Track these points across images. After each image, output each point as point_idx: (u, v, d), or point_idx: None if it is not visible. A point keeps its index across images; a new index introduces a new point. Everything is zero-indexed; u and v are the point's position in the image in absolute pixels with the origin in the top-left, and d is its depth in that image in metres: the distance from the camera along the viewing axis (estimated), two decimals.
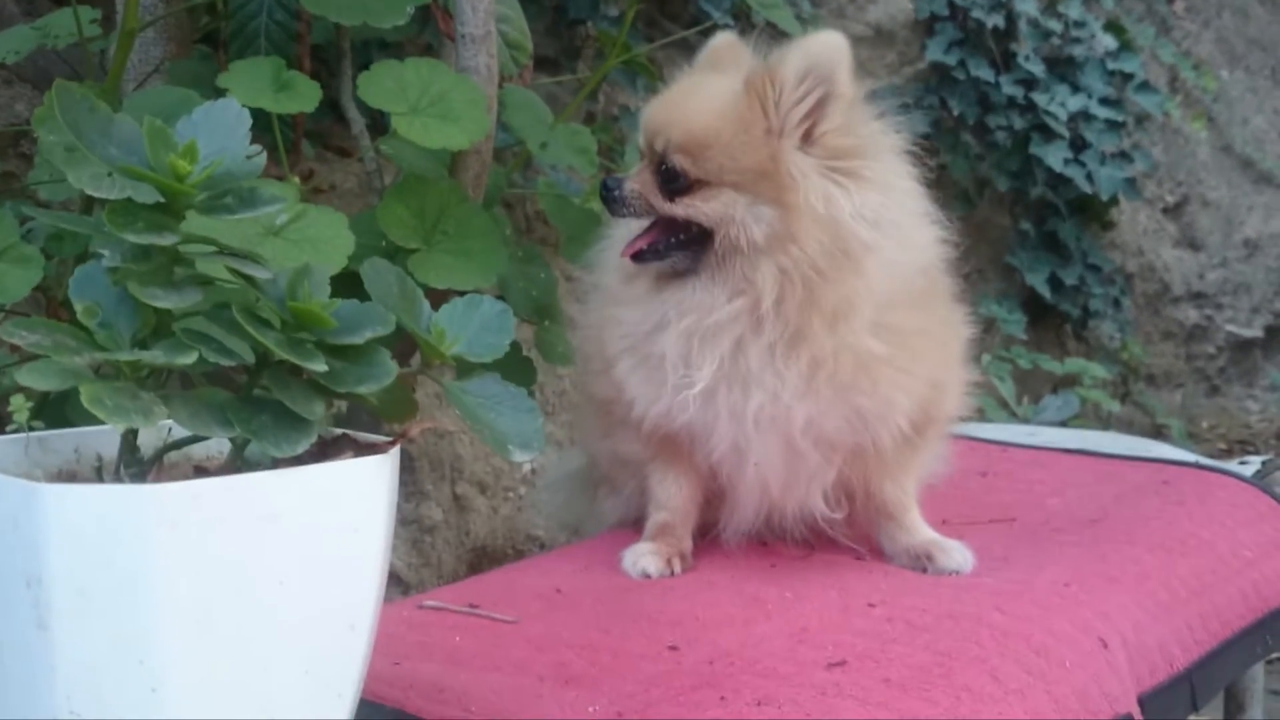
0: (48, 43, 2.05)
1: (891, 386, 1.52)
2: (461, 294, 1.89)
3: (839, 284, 1.48)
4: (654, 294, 1.56)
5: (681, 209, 1.52)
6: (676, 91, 1.60)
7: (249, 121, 1.05)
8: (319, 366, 1.00)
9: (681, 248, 1.54)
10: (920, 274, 1.55)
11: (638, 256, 1.55)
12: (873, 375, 1.51)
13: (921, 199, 1.57)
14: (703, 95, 1.56)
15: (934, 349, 1.58)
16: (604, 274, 1.67)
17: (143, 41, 1.91)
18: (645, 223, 1.57)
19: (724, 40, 1.64)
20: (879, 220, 1.49)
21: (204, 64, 1.99)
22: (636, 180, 1.56)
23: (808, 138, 1.49)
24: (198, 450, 1.15)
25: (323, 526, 1.01)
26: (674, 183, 1.53)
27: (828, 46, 1.49)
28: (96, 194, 1.53)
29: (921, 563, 1.61)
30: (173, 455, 1.12)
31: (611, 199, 1.57)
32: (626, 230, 1.60)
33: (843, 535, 1.68)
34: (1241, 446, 4.69)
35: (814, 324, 1.49)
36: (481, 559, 3.07)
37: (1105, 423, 4.47)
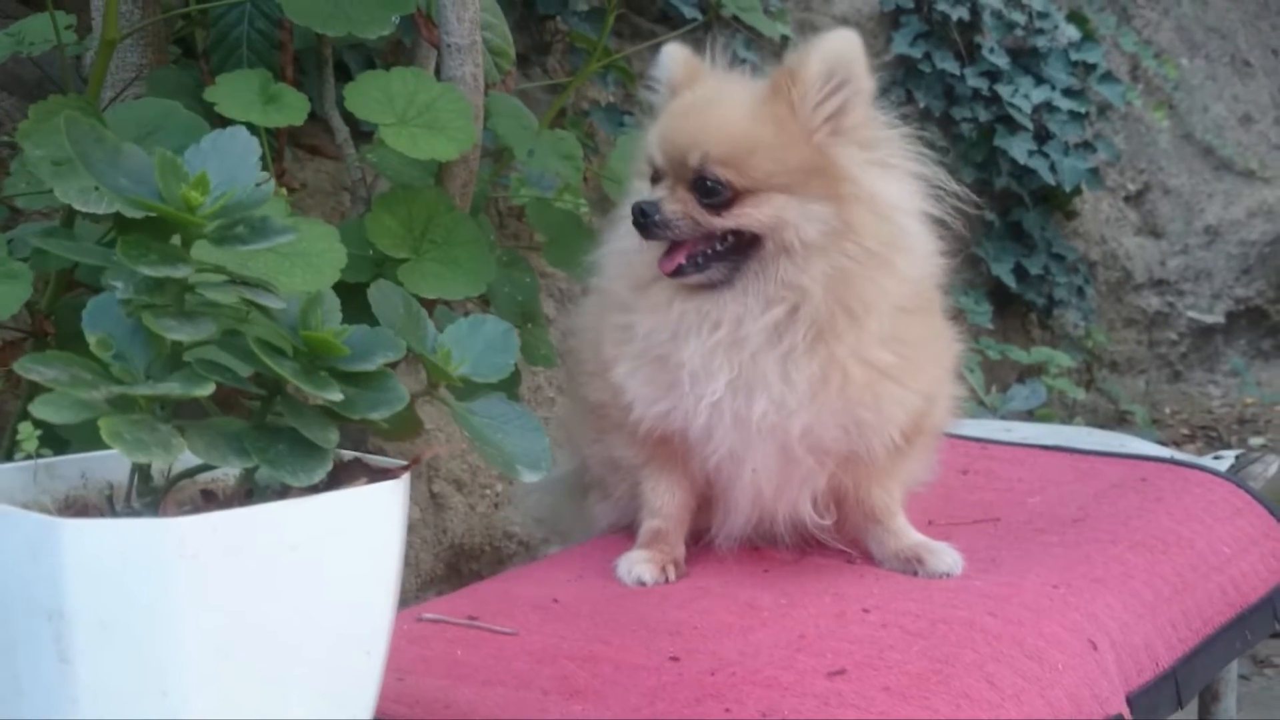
0: (22, 50, 2.03)
1: (891, 401, 1.54)
2: (450, 304, 1.92)
3: (869, 280, 1.51)
4: (675, 303, 1.54)
5: (732, 221, 1.51)
6: (694, 106, 1.57)
7: (259, 150, 1.05)
8: (335, 396, 1.00)
9: (720, 258, 1.53)
10: (927, 280, 1.57)
11: (678, 272, 1.53)
12: (876, 390, 1.53)
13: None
14: (730, 104, 1.55)
15: (931, 363, 1.60)
16: (611, 281, 1.65)
17: (120, 49, 1.89)
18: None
19: (680, 53, 1.63)
20: (914, 210, 1.54)
21: (184, 72, 1.98)
22: (675, 200, 1.53)
23: (836, 134, 1.51)
24: (203, 474, 1.15)
25: (339, 554, 1.01)
26: (717, 196, 1.51)
27: (845, 43, 1.52)
28: (84, 209, 1.52)
29: (912, 566, 1.63)
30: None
31: (652, 224, 1.52)
32: (631, 235, 1.58)
33: (831, 539, 1.70)
34: (1204, 432, 4.78)
35: (839, 323, 1.50)
36: (459, 557, 3.07)
37: (1070, 410, 4.53)
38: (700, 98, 1.58)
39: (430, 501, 3.06)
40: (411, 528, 3.01)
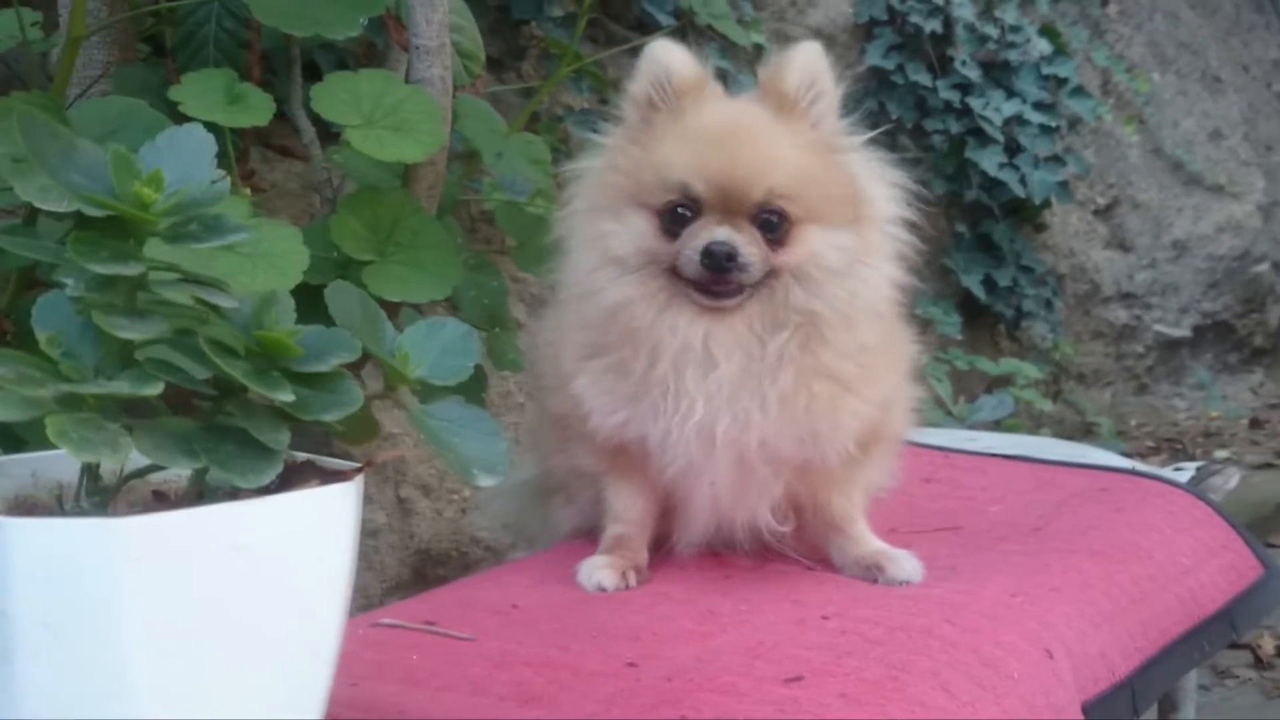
0: None
1: (847, 413, 1.55)
2: (415, 306, 1.91)
3: (866, 297, 1.51)
4: (680, 331, 1.48)
5: (785, 255, 1.47)
6: (737, 131, 1.49)
7: (214, 147, 1.05)
8: (286, 396, 0.99)
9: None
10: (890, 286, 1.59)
11: (724, 295, 1.48)
12: (835, 403, 1.53)
13: None
14: (772, 129, 1.49)
15: (887, 370, 1.61)
16: (594, 327, 1.55)
17: (87, 46, 1.88)
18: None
19: (681, 56, 1.53)
20: (897, 218, 1.55)
21: (151, 71, 1.96)
22: (747, 239, 1.45)
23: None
24: (155, 474, 1.14)
25: (289, 556, 1.01)
26: (776, 231, 1.46)
27: (814, 53, 1.52)
28: (45, 206, 1.50)
29: (872, 573, 1.63)
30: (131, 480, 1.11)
31: (737, 268, 1.44)
32: (629, 285, 1.50)
33: (791, 548, 1.70)
34: (1169, 444, 4.81)
35: (826, 338, 1.50)
36: (425, 562, 3.06)
37: (1037, 421, 4.56)
38: (735, 120, 1.50)
39: (397, 506, 3.05)
40: (377, 532, 3.00)
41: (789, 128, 1.50)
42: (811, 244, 1.48)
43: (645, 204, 1.50)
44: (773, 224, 1.47)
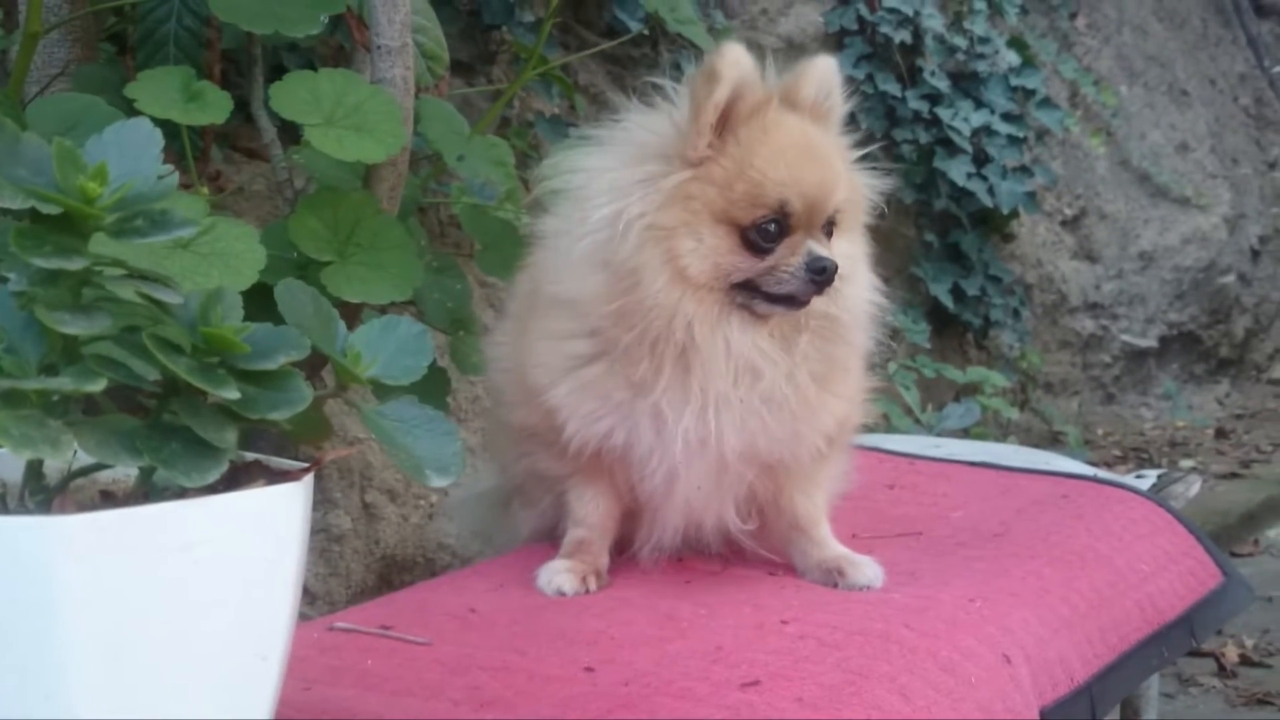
0: None
1: (825, 411, 1.56)
2: (376, 308, 1.89)
3: (861, 298, 1.57)
4: (735, 345, 1.50)
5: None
6: (813, 148, 1.50)
7: (161, 141, 1.03)
8: (231, 394, 0.98)
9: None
10: None
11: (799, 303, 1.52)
12: (815, 402, 1.54)
13: None
14: (830, 143, 1.53)
15: (854, 364, 1.62)
16: (642, 340, 1.52)
17: (47, 43, 1.86)
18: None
19: (752, 66, 1.47)
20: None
21: (110, 68, 1.94)
22: (827, 249, 1.49)
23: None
24: (103, 474, 1.12)
25: (235, 557, 0.99)
26: (829, 241, 1.51)
27: (830, 68, 1.55)
28: None
29: (833, 578, 1.63)
30: (78, 479, 1.09)
31: (830, 281, 1.48)
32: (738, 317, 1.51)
33: (757, 548, 1.69)
34: (1136, 453, 4.84)
35: (839, 335, 1.54)
36: (391, 568, 3.03)
37: (1005, 430, 4.58)
38: (810, 135, 1.51)
39: (362, 512, 3.02)
40: (342, 538, 2.97)
41: (832, 140, 1.55)
42: (835, 250, 1.54)
43: (731, 219, 1.48)
44: (829, 234, 1.53)
